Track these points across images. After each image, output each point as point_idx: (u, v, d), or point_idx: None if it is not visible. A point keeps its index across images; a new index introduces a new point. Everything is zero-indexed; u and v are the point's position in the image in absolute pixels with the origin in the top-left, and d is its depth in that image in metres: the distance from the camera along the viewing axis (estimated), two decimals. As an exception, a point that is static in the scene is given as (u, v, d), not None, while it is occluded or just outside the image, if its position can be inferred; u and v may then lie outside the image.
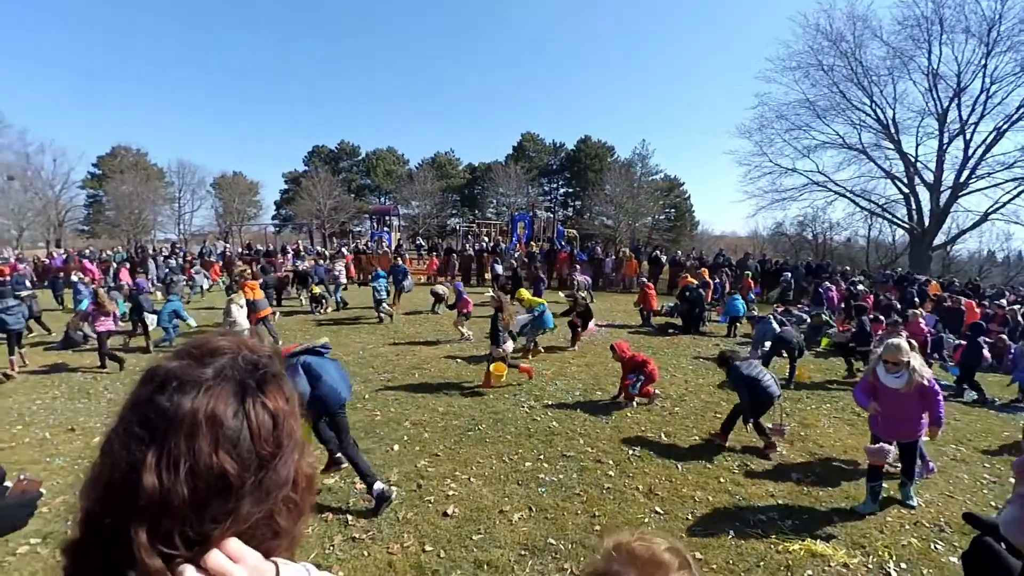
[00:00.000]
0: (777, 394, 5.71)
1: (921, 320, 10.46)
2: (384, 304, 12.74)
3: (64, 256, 22.58)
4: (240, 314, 9.07)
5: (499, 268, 18.71)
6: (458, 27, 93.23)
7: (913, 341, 5.36)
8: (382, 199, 52.53)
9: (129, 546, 0.54)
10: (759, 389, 5.60)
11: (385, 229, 29.57)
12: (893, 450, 4.54)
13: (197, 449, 0.57)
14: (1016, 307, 13.13)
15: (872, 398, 4.59)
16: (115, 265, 20.60)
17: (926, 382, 4.35)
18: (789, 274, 17.42)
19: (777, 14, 71.49)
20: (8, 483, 2.03)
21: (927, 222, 26.95)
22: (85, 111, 76.60)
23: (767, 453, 5.54)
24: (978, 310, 13.10)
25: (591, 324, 10.78)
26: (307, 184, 44.80)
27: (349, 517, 4.18)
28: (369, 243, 25.43)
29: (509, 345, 7.67)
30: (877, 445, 4.52)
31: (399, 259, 17.39)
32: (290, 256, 22.28)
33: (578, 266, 19.59)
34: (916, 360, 4.44)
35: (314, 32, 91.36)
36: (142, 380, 0.64)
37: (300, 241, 29.68)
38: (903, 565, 3.79)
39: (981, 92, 24.83)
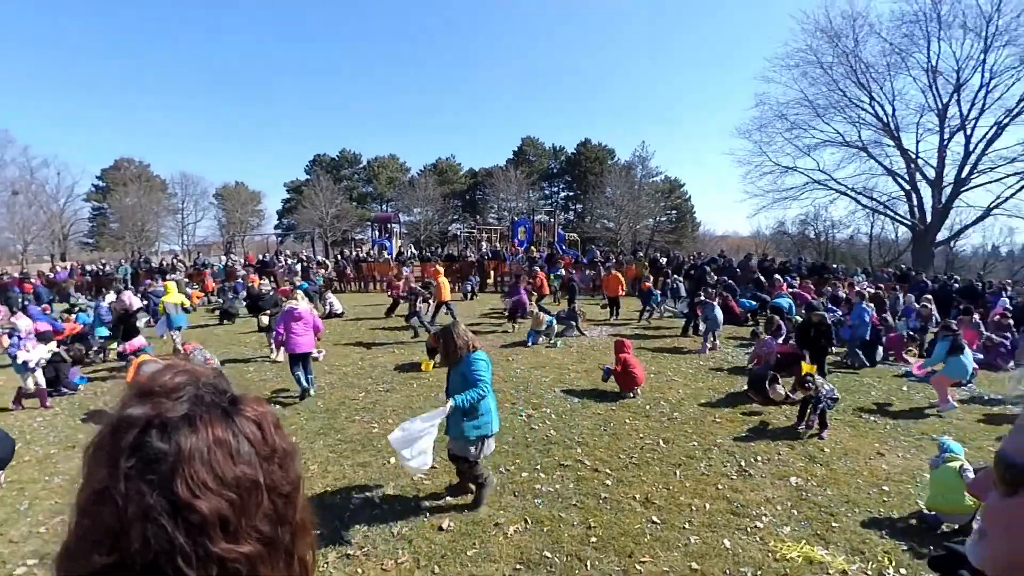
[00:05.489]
0: None
1: None
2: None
3: (68, 270, 22.78)
4: None
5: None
6: (456, 33, 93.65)
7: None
8: (384, 206, 52.78)
9: None
10: None
11: (387, 236, 29.64)
12: None
13: (219, 470, 0.59)
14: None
15: None
16: (120, 279, 20.70)
17: None
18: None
19: (778, 11, 71.46)
20: None
21: (929, 218, 26.88)
22: (88, 125, 77.67)
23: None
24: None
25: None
26: (309, 193, 45.10)
27: (343, 532, 4.17)
28: (370, 251, 25.45)
29: None
30: None
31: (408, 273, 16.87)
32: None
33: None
34: None
35: (313, 40, 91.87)
36: (114, 430, 0.61)
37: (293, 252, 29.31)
38: (903, 571, 3.75)
39: (981, 87, 24.88)
